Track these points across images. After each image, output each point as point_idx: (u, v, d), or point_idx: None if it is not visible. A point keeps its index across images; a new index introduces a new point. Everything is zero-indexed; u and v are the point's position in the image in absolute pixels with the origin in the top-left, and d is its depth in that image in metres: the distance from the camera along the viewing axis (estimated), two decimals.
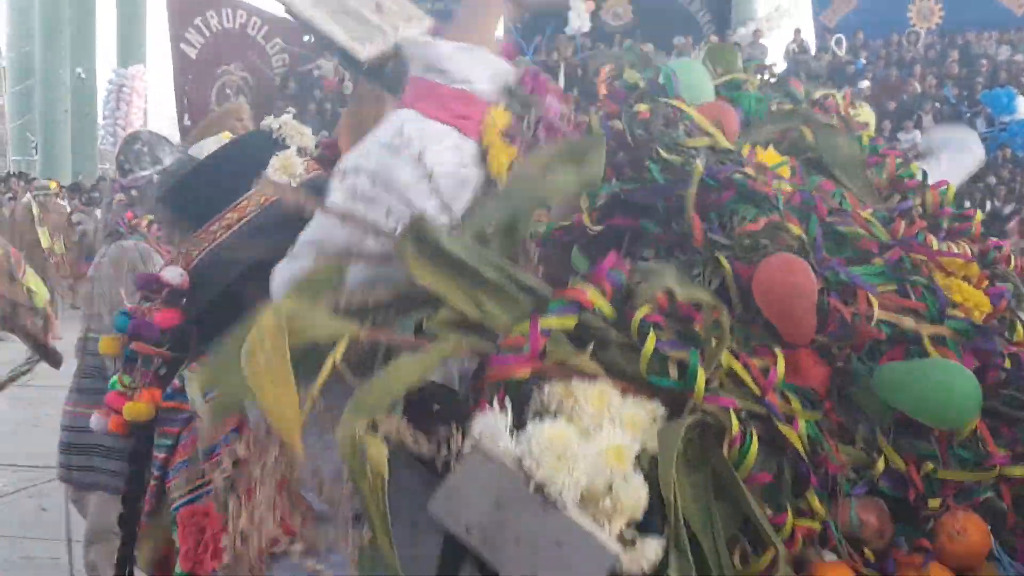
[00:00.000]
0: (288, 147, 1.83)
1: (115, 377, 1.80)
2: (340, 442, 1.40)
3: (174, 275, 1.76)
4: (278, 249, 1.64)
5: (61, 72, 28.93)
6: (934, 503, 1.64)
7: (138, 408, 1.78)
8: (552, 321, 1.51)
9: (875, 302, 1.66)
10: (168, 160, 4.42)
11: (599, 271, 1.56)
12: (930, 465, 1.64)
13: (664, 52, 19.27)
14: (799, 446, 1.54)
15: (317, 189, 1.71)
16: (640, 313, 1.54)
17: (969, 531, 1.64)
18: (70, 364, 4.56)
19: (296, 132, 1.86)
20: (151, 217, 4.57)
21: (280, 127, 1.85)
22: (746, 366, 1.57)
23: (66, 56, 28.96)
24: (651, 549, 1.42)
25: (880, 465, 1.63)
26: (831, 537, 1.58)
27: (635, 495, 1.42)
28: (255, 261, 1.71)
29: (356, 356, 1.48)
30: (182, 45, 28.78)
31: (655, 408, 1.51)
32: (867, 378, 1.64)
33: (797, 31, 28.26)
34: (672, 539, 1.44)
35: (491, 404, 1.46)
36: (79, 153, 29.08)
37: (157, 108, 35.51)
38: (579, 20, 29.11)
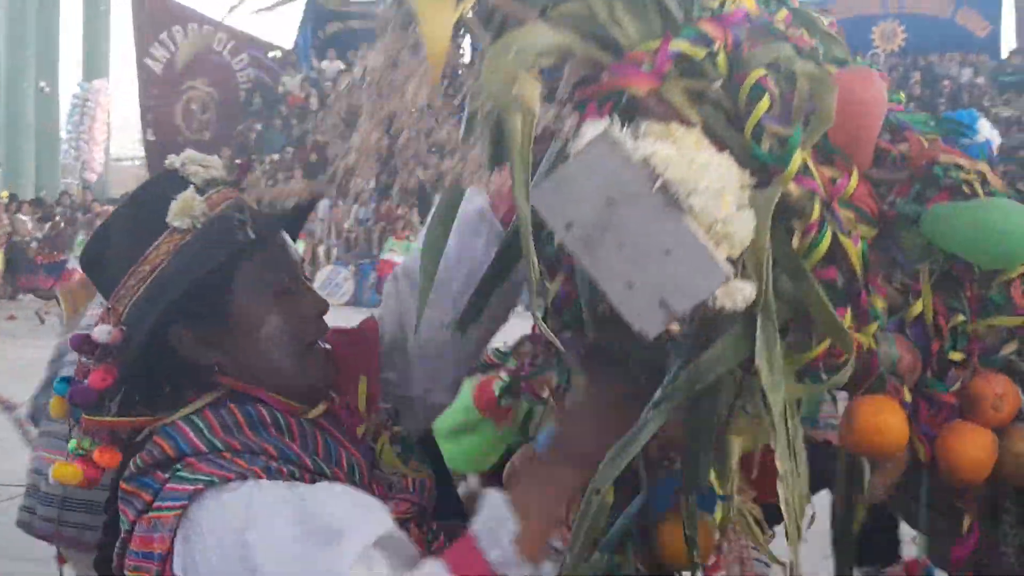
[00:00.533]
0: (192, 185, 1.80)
1: (73, 442, 1.76)
2: (488, 75, 1.35)
3: (103, 333, 1.73)
4: (193, 292, 1.72)
5: (24, 86, 28.72)
6: (956, 355, 1.59)
7: (74, 473, 1.74)
8: (683, 45, 1.43)
9: (925, 142, 1.62)
10: None
11: (725, 19, 1.48)
12: (960, 317, 1.59)
13: None
14: (856, 261, 1.49)
15: (226, 223, 1.74)
16: (755, 75, 1.46)
17: (1009, 396, 1.60)
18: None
19: (199, 167, 1.82)
20: None
21: (182, 164, 1.81)
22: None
23: (30, 69, 28.76)
24: (749, 290, 1.34)
25: (916, 308, 1.58)
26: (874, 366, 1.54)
27: (746, 228, 1.35)
28: (175, 306, 1.72)
29: None
30: (147, 60, 28.62)
31: (745, 174, 1.42)
32: (912, 221, 1.58)
33: None
34: (761, 303, 1.38)
35: (599, 113, 1.39)
36: (42, 167, 28.86)
37: (123, 123, 35.40)
38: None
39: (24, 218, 20.74)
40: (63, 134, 27.89)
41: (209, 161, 1.83)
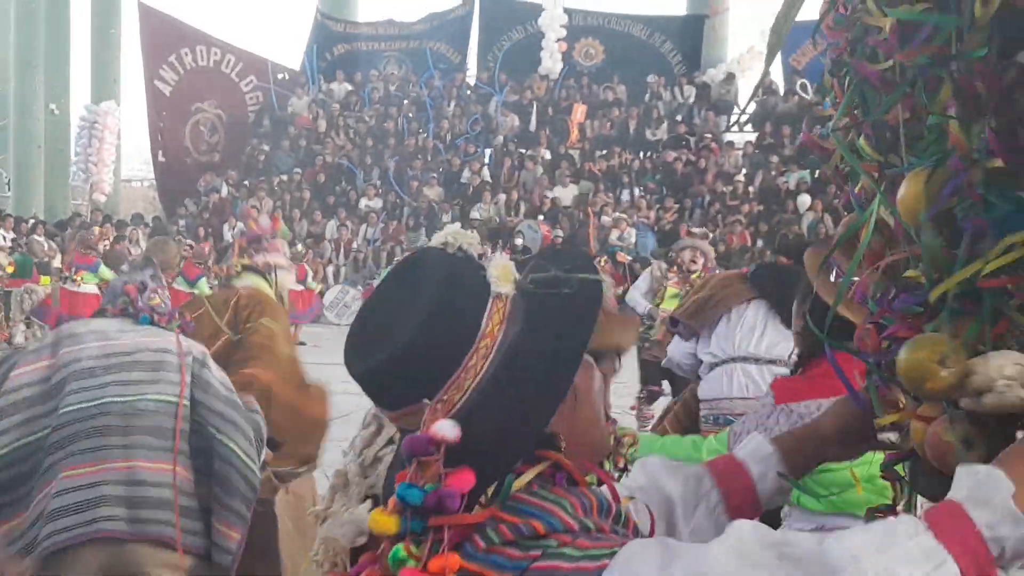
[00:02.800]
0: (469, 254, 1.75)
1: (399, 548, 1.57)
2: None
3: (449, 430, 1.55)
4: (543, 345, 1.59)
5: (35, 108, 28.95)
6: None
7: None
8: None
9: None
10: None
11: None
12: None
13: (637, 91, 19.48)
14: None
15: (593, 286, 1.66)
16: None
17: None
18: None
19: (467, 241, 1.78)
20: None
21: (450, 240, 1.76)
22: None
23: (40, 92, 28.99)
24: None
25: None
26: None
27: None
28: (542, 383, 1.59)
29: None
30: (156, 82, 28.87)
31: None
32: None
33: (766, 73, 28.59)
34: None
35: None
36: (52, 189, 29.06)
37: (132, 144, 35.64)
38: (552, 60, 29.38)
39: (40, 239, 20.90)
40: (72, 156, 28.07)
41: (470, 237, 1.77)
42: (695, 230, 18.20)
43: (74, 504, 3.33)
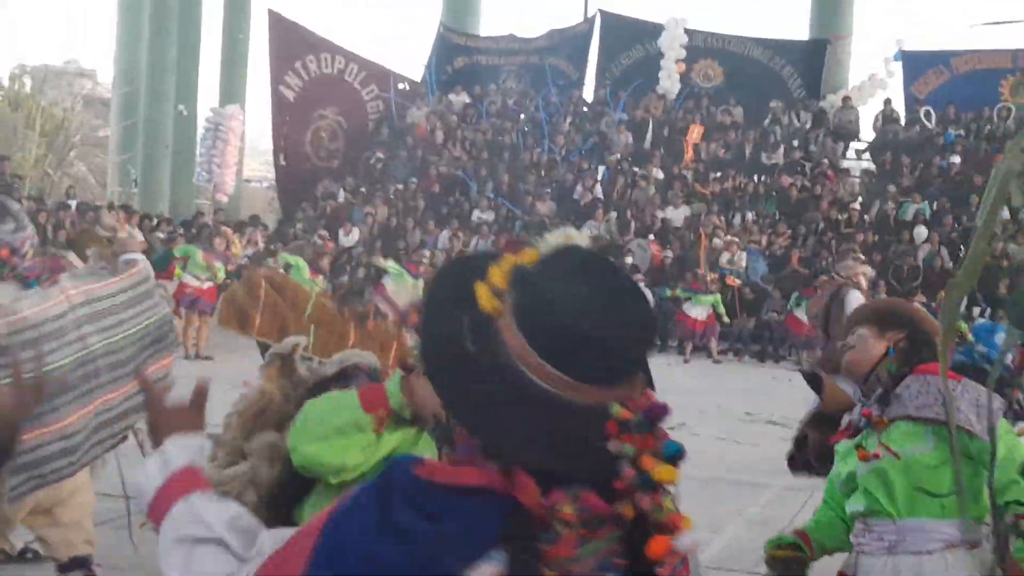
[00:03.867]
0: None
1: None
2: None
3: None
4: None
5: (164, 109, 29.82)
6: None
7: None
8: None
9: None
10: None
11: None
12: None
13: (755, 114, 19.49)
14: None
15: None
16: None
17: None
18: None
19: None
20: None
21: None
22: None
23: (170, 94, 29.87)
24: None
25: None
26: None
27: None
28: None
29: None
30: (281, 88, 29.45)
31: None
32: None
33: (887, 101, 28.27)
34: None
35: None
36: (177, 187, 29.91)
37: (254, 146, 36.50)
38: (669, 80, 29.39)
39: (161, 236, 21.58)
40: (197, 156, 28.82)
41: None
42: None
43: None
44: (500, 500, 1.60)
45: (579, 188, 26.46)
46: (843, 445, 3.93)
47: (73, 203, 23.60)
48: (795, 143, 27.12)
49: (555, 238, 1.80)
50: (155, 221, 22.60)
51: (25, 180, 27.53)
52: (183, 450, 1.94)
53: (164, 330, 4.61)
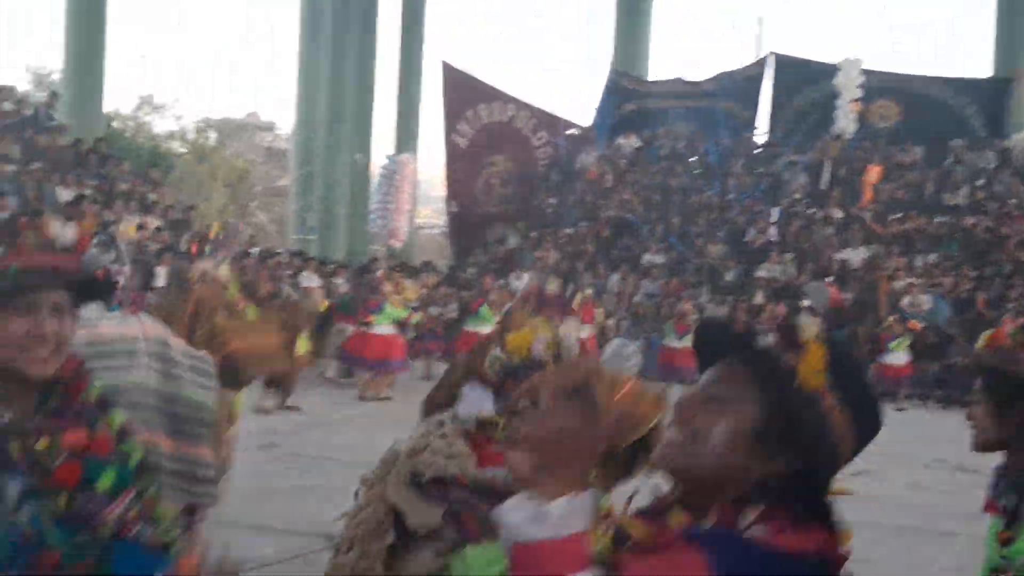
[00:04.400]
0: None
1: None
2: None
3: None
4: None
5: (340, 158, 30.62)
6: None
7: None
8: None
9: None
10: None
11: None
12: None
13: (936, 154, 18.85)
14: None
15: None
16: None
17: None
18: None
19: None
20: None
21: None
22: None
23: (345, 143, 30.67)
24: None
25: None
26: None
27: None
28: None
29: None
30: (453, 136, 29.95)
31: None
32: None
33: None
34: None
35: None
36: (353, 233, 30.61)
37: (426, 193, 37.18)
38: (846, 120, 28.75)
39: (338, 281, 22.06)
40: (372, 203, 29.42)
41: None
42: None
43: None
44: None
45: (751, 230, 26.04)
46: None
47: (255, 251, 24.32)
48: (979, 183, 26.15)
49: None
50: (331, 267, 23.09)
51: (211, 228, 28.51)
52: None
53: (202, 417, 4.71)
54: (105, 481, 2.28)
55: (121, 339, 4.50)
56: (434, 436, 2.97)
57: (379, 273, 20.33)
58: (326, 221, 30.61)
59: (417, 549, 2.88)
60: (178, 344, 4.78)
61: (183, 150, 42.71)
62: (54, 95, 26.22)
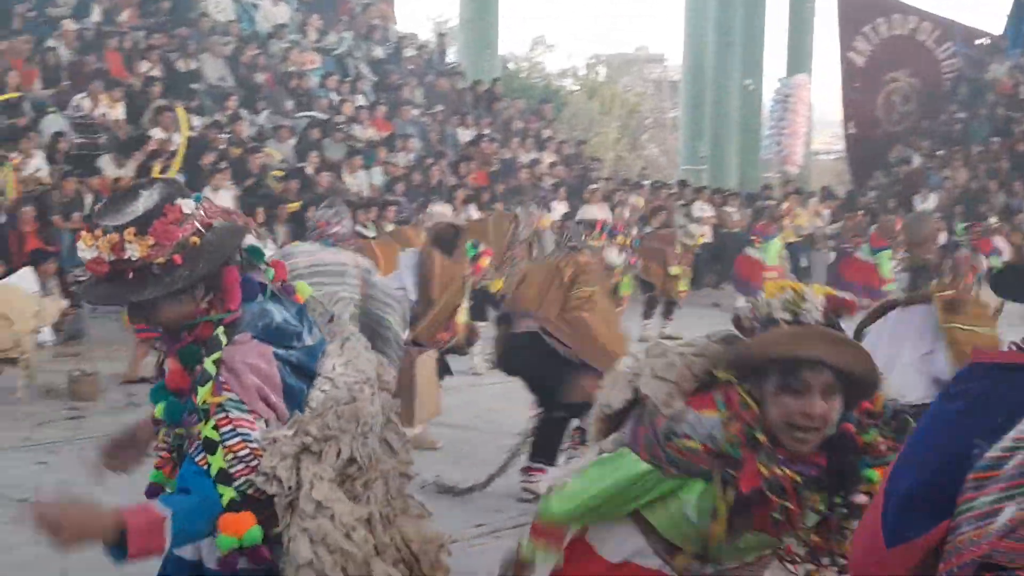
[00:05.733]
0: None
1: None
2: None
3: None
4: None
5: (730, 84, 30.03)
6: None
7: None
8: None
9: None
10: None
11: None
12: None
13: None
14: None
15: None
16: None
17: None
18: None
19: None
20: None
21: None
22: None
23: (735, 68, 30.02)
24: None
25: None
26: None
27: None
28: None
29: None
30: (849, 53, 28.80)
31: None
32: None
33: None
34: None
35: None
36: (744, 163, 30.01)
37: (820, 118, 35.88)
38: None
39: (730, 210, 21.68)
40: (764, 130, 28.73)
41: None
42: None
43: None
44: None
45: None
46: None
47: (646, 183, 24.34)
48: None
49: None
50: (724, 196, 22.70)
51: (603, 162, 28.83)
52: None
53: (389, 336, 6.72)
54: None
55: (335, 263, 6.58)
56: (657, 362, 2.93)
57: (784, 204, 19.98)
58: (716, 150, 30.15)
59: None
60: (382, 277, 6.99)
61: (575, 87, 43.43)
62: (442, 36, 27.55)
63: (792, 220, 19.86)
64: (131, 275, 2.72)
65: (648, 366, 2.90)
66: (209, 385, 2.73)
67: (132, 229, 2.70)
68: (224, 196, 14.06)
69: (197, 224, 2.77)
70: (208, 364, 2.75)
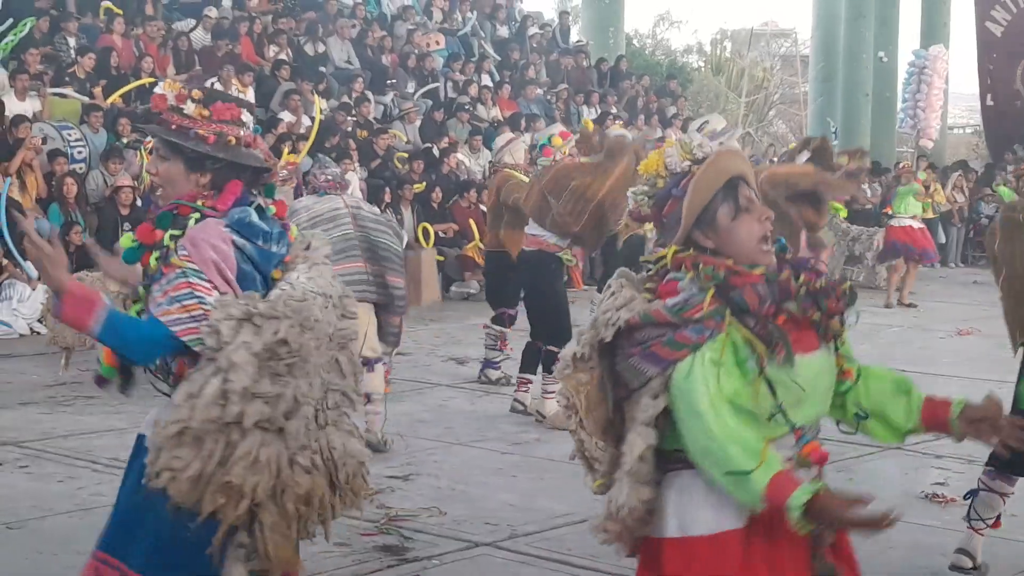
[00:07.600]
0: None
1: None
2: None
3: None
4: None
5: (863, 56, 29.29)
6: None
7: None
8: None
9: None
10: None
11: None
12: None
13: None
14: None
15: None
16: None
17: None
18: None
19: None
20: None
21: None
22: None
23: (868, 40, 29.27)
24: None
25: None
26: None
27: None
28: None
29: None
30: (987, 23, 27.86)
31: None
32: None
33: None
34: None
35: None
36: (878, 136, 29.27)
37: (956, 91, 34.76)
38: None
39: (863, 187, 21.17)
40: (899, 103, 27.95)
41: None
42: None
43: None
44: None
45: None
46: None
47: (775, 160, 23.90)
48: None
49: None
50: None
51: None
52: None
53: (389, 256, 7.58)
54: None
55: (328, 210, 7.42)
56: (605, 299, 2.89)
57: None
58: (849, 125, 29.43)
59: (637, 398, 2.81)
60: (370, 208, 7.93)
61: (700, 63, 42.87)
62: (565, 15, 27.40)
63: (933, 196, 19.40)
64: (175, 126, 3.24)
65: (603, 309, 2.87)
66: (160, 252, 3.17)
67: (199, 94, 3.29)
68: (351, 178, 14.22)
69: (242, 133, 3.31)
70: (166, 238, 3.17)
